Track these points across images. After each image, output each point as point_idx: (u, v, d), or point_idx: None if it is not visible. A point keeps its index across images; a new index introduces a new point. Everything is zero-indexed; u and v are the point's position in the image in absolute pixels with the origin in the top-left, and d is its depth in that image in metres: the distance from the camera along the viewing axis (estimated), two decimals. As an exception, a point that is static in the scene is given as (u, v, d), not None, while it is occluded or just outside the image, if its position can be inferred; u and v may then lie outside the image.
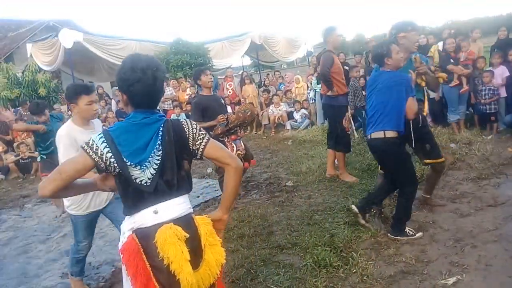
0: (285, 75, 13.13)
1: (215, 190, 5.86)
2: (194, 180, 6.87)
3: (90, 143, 1.73)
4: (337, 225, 3.89)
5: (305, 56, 21.52)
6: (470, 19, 32.19)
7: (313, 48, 24.20)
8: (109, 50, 13.10)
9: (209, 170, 7.20)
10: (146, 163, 1.75)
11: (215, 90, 11.70)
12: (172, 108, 11.64)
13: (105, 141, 1.72)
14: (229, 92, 11.83)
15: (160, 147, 1.77)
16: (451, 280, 2.77)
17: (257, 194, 5.42)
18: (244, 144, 5.02)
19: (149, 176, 1.75)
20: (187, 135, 1.84)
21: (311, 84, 10.08)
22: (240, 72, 17.82)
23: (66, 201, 3.20)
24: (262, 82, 14.17)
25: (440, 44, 7.78)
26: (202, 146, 1.85)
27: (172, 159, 1.79)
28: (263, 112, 10.76)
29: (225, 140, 4.70)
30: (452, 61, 6.96)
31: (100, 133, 1.76)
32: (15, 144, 9.94)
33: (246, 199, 5.28)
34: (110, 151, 1.71)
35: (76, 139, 2.97)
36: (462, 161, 5.35)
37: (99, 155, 1.70)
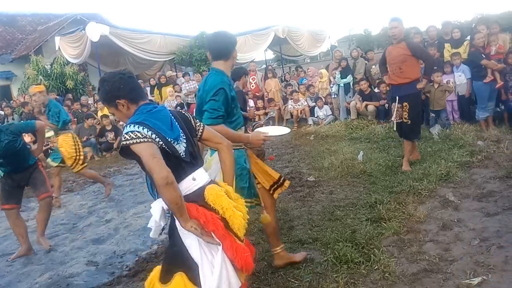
0: (308, 69, 13.03)
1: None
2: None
3: (138, 134, 1.91)
4: (359, 221, 3.86)
5: (328, 50, 21.31)
6: (501, 12, 31.04)
7: (337, 42, 23.90)
8: (134, 44, 13.31)
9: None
10: (180, 138, 2.08)
11: (238, 84, 11.73)
12: (195, 102, 11.73)
13: (144, 127, 1.93)
14: (252, 86, 11.83)
15: (179, 126, 2.11)
16: (476, 280, 2.71)
17: (279, 189, 5.42)
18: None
19: (183, 149, 2.07)
20: (189, 118, 2.24)
21: (334, 78, 9.97)
22: (263, 66, 17.78)
23: None
24: (283, 77, 14.11)
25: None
26: (201, 128, 2.27)
27: (189, 136, 2.16)
28: (285, 107, 10.73)
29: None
30: (483, 56, 6.76)
31: (135, 125, 1.94)
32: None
33: (267, 193, 5.29)
34: (153, 133, 1.94)
35: None
36: (489, 159, 5.21)
37: (150, 137, 1.92)
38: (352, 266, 3.08)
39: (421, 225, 3.65)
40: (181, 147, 2.07)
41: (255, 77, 11.92)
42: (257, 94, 11.59)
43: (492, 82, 6.74)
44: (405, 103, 5.29)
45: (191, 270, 1.99)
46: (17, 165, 4.37)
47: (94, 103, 12.47)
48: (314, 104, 10.41)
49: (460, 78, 7.31)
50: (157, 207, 2.09)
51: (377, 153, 6.26)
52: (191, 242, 2.00)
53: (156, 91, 12.44)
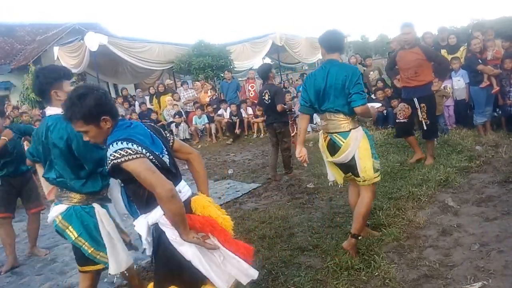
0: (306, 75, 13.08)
1: (236, 191, 5.90)
2: (215, 181, 6.96)
3: (129, 151, 1.86)
4: (359, 228, 3.86)
5: (326, 57, 21.33)
6: (496, 18, 31.26)
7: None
8: (133, 53, 13.35)
9: (230, 171, 7.25)
10: (164, 151, 2.07)
11: (237, 92, 11.79)
12: (193, 110, 11.77)
13: (133, 143, 1.90)
14: (251, 93, 11.87)
15: (159, 139, 2.12)
16: (476, 286, 2.71)
17: (278, 196, 5.43)
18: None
19: (167, 161, 2.07)
20: (161, 131, 2.24)
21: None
22: (261, 74, 17.80)
23: None
24: (282, 84, 14.17)
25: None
26: (172, 139, 2.27)
27: (168, 148, 2.15)
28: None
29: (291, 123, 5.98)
30: (480, 61, 6.81)
31: (122, 142, 1.89)
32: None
33: (267, 201, 5.30)
34: (143, 148, 1.92)
35: None
36: (488, 164, 5.23)
37: (141, 152, 1.90)
38: (353, 272, 3.08)
39: (421, 231, 3.66)
40: (166, 160, 2.06)
41: (254, 84, 11.97)
42: (255, 101, 11.61)
43: (489, 87, 6.77)
44: (422, 104, 5.49)
45: (188, 283, 2.02)
46: (17, 166, 4.43)
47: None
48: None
49: (459, 83, 7.34)
50: (142, 224, 2.05)
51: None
52: (193, 253, 1.99)
53: (154, 99, 12.47)
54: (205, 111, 11.50)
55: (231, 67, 14.10)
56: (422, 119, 5.51)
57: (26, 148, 4.90)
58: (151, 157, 1.93)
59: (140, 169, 1.83)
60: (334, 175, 3.58)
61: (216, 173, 7.31)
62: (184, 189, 2.12)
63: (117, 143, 1.87)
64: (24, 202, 4.66)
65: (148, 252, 2.15)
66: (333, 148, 3.32)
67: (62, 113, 2.07)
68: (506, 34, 7.26)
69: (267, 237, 4.00)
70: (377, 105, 4.42)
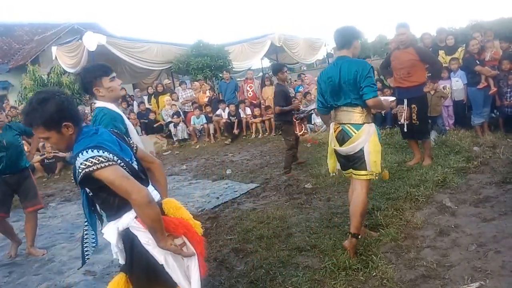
0: (305, 76, 13.09)
1: (234, 191, 5.89)
2: (213, 182, 6.96)
3: (100, 159, 1.81)
4: (357, 228, 3.86)
5: (325, 58, 21.41)
6: (495, 19, 31.35)
7: (333, 50, 24.04)
8: (131, 53, 13.33)
9: (228, 171, 7.25)
10: (132, 157, 2.08)
11: (235, 92, 11.80)
12: (192, 110, 11.77)
13: (104, 151, 1.85)
14: (249, 94, 11.88)
15: (126, 145, 2.11)
16: (473, 286, 2.72)
17: (276, 196, 5.43)
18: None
19: (137, 167, 2.06)
20: (126, 138, 2.22)
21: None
22: (260, 74, 17.85)
23: None
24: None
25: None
26: (135, 147, 2.23)
27: (135, 155, 2.14)
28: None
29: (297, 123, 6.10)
30: (478, 62, 6.82)
31: (92, 149, 1.83)
32: (40, 144, 10.20)
33: (265, 201, 5.30)
34: (114, 155, 1.88)
35: None
36: (485, 165, 5.24)
37: (113, 159, 1.86)
38: (350, 273, 3.09)
39: (419, 231, 3.66)
40: (136, 166, 2.05)
41: (252, 85, 11.98)
42: (254, 102, 11.63)
43: (486, 88, 6.80)
44: (413, 105, 5.51)
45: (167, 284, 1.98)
46: (15, 163, 4.46)
47: (91, 113, 12.45)
48: (311, 111, 10.44)
49: (457, 84, 7.35)
50: (112, 231, 1.99)
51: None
52: (165, 258, 1.96)
53: (153, 99, 12.46)
54: (204, 111, 11.49)
55: (230, 67, 14.10)
56: (413, 120, 5.54)
57: (26, 149, 4.96)
58: (122, 164, 1.89)
59: (114, 177, 1.78)
60: (329, 164, 3.72)
61: (214, 173, 7.31)
62: (153, 193, 2.06)
63: (87, 151, 1.80)
64: (21, 200, 4.65)
65: (121, 260, 2.08)
66: (343, 138, 3.38)
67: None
68: (505, 35, 7.29)
69: (265, 237, 4.00)
70: (391, 98, 4.49)
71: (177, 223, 2.00)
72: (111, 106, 2.90)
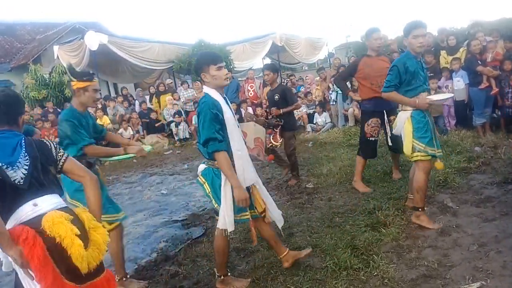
0: (306, 76, 13.11)
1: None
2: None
3: None
4: (358, 228, 3.87)
5: (326, 58, 21.40)
6: (496, 19, 31.24)
7: (335, 50, 24.04)
8: (133, 52, 13.35)
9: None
10: (17, 164, 2.01)
11: (237, 92, 11.80)
12: (193, 110, 11.78)
13: None
14: (251, 93, 11.88)
15: (26, 154, 2.05)
16: (474, 286, 2.72)
17: (277, 196, 5.43)
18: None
19: (22, 175, 2.00)
20: (50, 147, 2.18)
21: (333, 85, 10.02)
22: (261, 74, 17.83)
23: None
24: (285, 83, 14.17)
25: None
26: (63, 158, 2.19)
27: (38, 163, 2.07)
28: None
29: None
30: (479, 62, 6.82)
31: None
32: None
33: (266, 200, 5.29)
34: None
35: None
36: (487, 165, 5.24)
37: None
38: (352, 272, 3.09)
39: (420, 231, 3.66)
40: (17, 173, 1.99)
41: (253, 84, 11.99)
42: (255, 101, 11.63)
43: (488, 88, 6.80)
44: (392, 117, 4.70)
45: None
46: None
47: (93, 112, 12.48)
48: (312, 110, 10.46)
49: (458, 83, 7.35)
50: None
51: (375, 160, 6.27)
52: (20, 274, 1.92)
53: (154, 99, 12.48)
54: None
55: (231, 67, 14.10)
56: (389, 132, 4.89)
57: None
58: None
59: None
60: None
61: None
62: (44, 203, 2.01)
63: None
64: None
65: (6, 267, 2.05)
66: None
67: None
68: (507, 35, 7.28)
69: (266, 236, 4.00)
70: (447, 95, 4.63)
71: (17, 234, 1.88)
72: (213, 93, 2.99)
